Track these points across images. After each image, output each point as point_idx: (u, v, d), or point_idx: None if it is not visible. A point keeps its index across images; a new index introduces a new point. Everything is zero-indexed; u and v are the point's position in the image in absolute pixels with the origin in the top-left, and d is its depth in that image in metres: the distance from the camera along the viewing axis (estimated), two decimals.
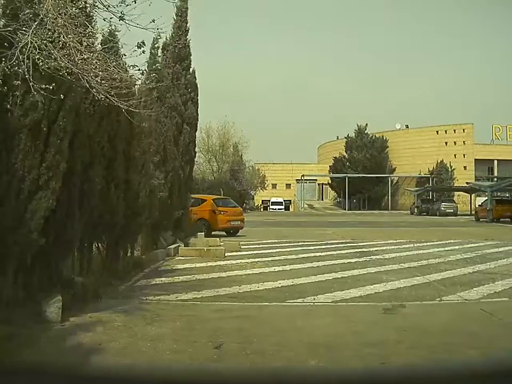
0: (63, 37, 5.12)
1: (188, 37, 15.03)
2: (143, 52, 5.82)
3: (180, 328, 5.43)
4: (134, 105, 6.61)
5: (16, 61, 4.97)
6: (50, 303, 5.47)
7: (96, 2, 5.61)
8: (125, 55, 6.04)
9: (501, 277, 8.80)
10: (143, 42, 5.66)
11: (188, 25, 15.01)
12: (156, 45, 13.81)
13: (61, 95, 5.56)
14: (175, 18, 14.65)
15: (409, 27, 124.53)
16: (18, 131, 5.42)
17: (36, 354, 4.39)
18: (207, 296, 7.19)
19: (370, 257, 11.77)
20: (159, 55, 14.11)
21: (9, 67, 4.97)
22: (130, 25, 5.41)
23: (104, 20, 5.65)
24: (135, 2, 5.27)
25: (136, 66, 5.97)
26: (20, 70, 4.99)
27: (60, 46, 5.16)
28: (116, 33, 6.64)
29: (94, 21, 6.05)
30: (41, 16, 5.06)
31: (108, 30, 6.54)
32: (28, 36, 4.97)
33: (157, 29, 5.68)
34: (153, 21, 5.48)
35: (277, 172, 67.23)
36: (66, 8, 5.14)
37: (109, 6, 5.39)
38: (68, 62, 5.18)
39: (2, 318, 4.87)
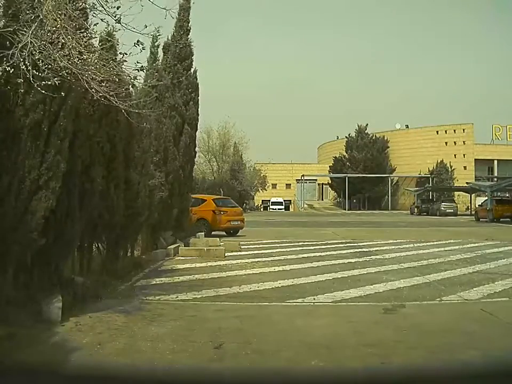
0: (62, 38, 5.11)
1: (189, 36, 15.01)
2: (143, 48, 5.80)
3: (180, 328, 5.43)
4: (133, 105, 6.60)
5: (17, 61, 4.97)
6: (50, 303, 5.47)
7: (95, 5, 5.61)
8: (126, 54, 6.02)
9: (501, 277, 8.80)
10: (139, 41, 5.64)
11: (189, 24, 14.96)
12: (156, 43, 13.78)
13: (62, 95, 5.57)
14: (177, 17, 14.60)
15: (409, 27, 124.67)
16: (19, 131, 5.43)
17: (36, 354, 4.39)
18: (207, 296, 7.19)
19: (370, 257, 11.77)
20: (159, 54, 14.09)
21: (10, 68, 4.97)
22: (127, 28, 5.42)
23: (102, 21, 5.66)
24: (130, 8, 5.26)
25: (139, 63, 5.94)
26: (21, 70, 4.99)
27: (59, 46, 5.16)
28: (114, 33, 6.65)
29: (92, 22, 6.06)
30: (41, 17, 5.06)
31: (106, 30, 6.55)
32: (28, 36, 4.97)
33: (153, 33, 5.71)
34: (146, 26, 5.47)
35: (277, 172, 67.26)
36: (66, 9, 5.14)
37: (107, 5, 5.38)
38: (67, 63, 5.18)
39: (2, 318, 4.86)
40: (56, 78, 5.14)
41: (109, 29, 6.44)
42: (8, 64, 4.95)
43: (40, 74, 5.09)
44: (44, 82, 5.09)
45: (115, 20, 5.42)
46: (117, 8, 5.32)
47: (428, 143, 60.79)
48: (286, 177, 71.01)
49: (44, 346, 4.71)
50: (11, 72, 5.01)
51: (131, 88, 7.39)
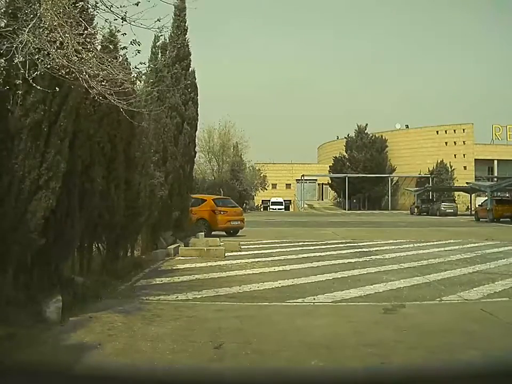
0: (61, 37, 5.10)
1: (186, 36, 15.03)
2: (139, 52, 5.78)
3: (180, 328, 5.43)
4: (133, 105, 6.60)
5: (16, 60, 4.97)
6: (50, 303, 5.47)
7: (98, 3, 5.60)
8: (126, 58, 6.01)
9: (501, 277, 8.79)
10: (135, 40, 5.62)
11: (186, 24, 14.99)
12: (157, 44, 13.79)
13: (62, 95, 5.57)
14: (173, 17, 14.62)
15: (409, 27, 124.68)
16: (19, 131, 5.42)
17: (36, 354, 4.39)
18: (207, 296, 7.19)
19: (370, 257, 11.77)
20: (159, 54, 14.09)
21: (9, 67, 4.97)
22: (133, 25, 5.39)
23: (106, 21, 5.63)
24: (137, 5, 5.24)
25: (139, 66, 5.94)
26: (20, 70, 4.99)
27: (58, 45, 5.15)
28: (116, 33, 6.63)
29: (95, 21, 6.04)
30: (39, 14, 5.05)
31: (108, 30, 6.53)
32: (25, 34, 4.96)
33: (160, 29, 5.68)
34: (159, 20, 5.45)
35: (277, 172, 67.27)
36: (65, 7, 5.13)
37: (112, 6, 5.36)
38: (65, 62, 5.17)
39: (2, 318, 4.86)
40: (56, 78, 5.13)
41: (111, 27, 6.42)
42: (5, 58, 4.93)
43: (39, 74, 5.09)
44: (37, 73, 5.07)
45: (121, 18, 5.39)
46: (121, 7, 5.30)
47: (428, 143, 60.79)
48: (286, 177, 71.01)
49: (44, 347, 4.70)
50: (10, 70, 5.01)
51: (132, 87, 7.37)
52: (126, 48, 5.92)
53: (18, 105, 5.39)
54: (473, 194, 47.95)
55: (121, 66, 6.13)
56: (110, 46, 6.14)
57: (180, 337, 5.05)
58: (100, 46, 6.21)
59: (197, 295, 7.20)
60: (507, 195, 43.39)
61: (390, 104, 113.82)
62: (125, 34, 5.49)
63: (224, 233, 18.73)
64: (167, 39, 14.42)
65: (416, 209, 47.51)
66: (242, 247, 13.85)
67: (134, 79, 6.40)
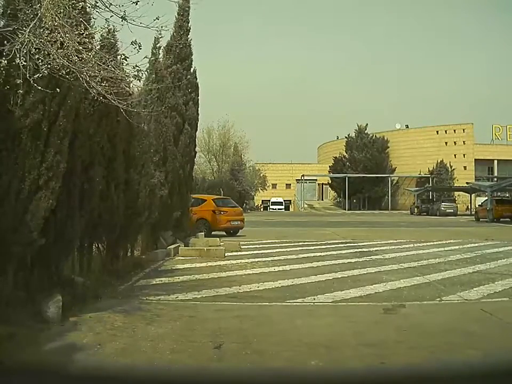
0: (61, 36, 5.10)
1: (189, 36, 15.03)
2: (140, 47, 5.76)
3: (180, 328, 5.43)
4: (133, 105, 6.60)
5: (16, 61, 4.97)
6: (50, 303, 5.47)
7: (97, 3, 5.59)
8: (126, 58, 5.99)
9: (501, 277, 8.80)
10: (135, 41, 5.61)
11: (189, 24, 14.98)
12: (157, 45, 13.78)
13: (61, 95, 5.57)
14: (176, 17, 14.61)
15: (409, 27, 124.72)
16: (19, 131, 5.43)
17: (36, 354, 4.39)
18: (207, 296, 7.19)
19: (370, 257, 11.77)
20: (160, 54, 14.08)
21: (7, 63, 4.97)
22: (132, 24, 5.38)
23: (107, 20, 5.61)
24: (136, 4, 5.23)
25: (137, 67, 5.92)
26: (21, 70, 4.98)
27: (58, 45, 5.15)
28: (115, 33, 6.63)
29: (93, 20, 6.03)
30: (39, 15, 5.05)
31: (107, 30, 6.51)
32: (26, 34, 4.96)
33: (160, 27, 5.66)
34: (157, 18, 5.43)
35: (277, 172, 67.24)
36: (65, 7, 5.13)
37: (111, 4, 5.36)
38: (66, 62, 5.17)
39: (2, 318, 4.86)
40: (56, 78, 5.12)
41: (110, 27, 6.41)
42: (6, 59, 4.93)
43: (39, 74, 5.09)
44: (38, 75, 5.07)
45: (120, 17, 5.38)
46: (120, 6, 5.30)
47: (428, 143, 60.79)
48: (286, 177, 71.00)
49: (44, 347, 4.70)
50: (10, 70, 5.01)
51: (133, 87, 7.37)
52: (127, 57, 5.89)
53: (18, 105, 5.39)
54: (473, 194, 47.96)
55: (121, 66, 6.12)
56: (109, 46, 6.14)
57: (180, 337, 5.05)
58: (99, 46, 6.21)
59: (197, 295, 7.20)
60: (507, 195, 43.42)
61: (390, 104, 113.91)
62: (131, 32, 5.48)
63: (224, 233, 18.74)
64: (170, 39, 14.40)
65: (416, 209, 47.51)
66: (242, 247, 13.85)
67: (134, 77, 6.39)
